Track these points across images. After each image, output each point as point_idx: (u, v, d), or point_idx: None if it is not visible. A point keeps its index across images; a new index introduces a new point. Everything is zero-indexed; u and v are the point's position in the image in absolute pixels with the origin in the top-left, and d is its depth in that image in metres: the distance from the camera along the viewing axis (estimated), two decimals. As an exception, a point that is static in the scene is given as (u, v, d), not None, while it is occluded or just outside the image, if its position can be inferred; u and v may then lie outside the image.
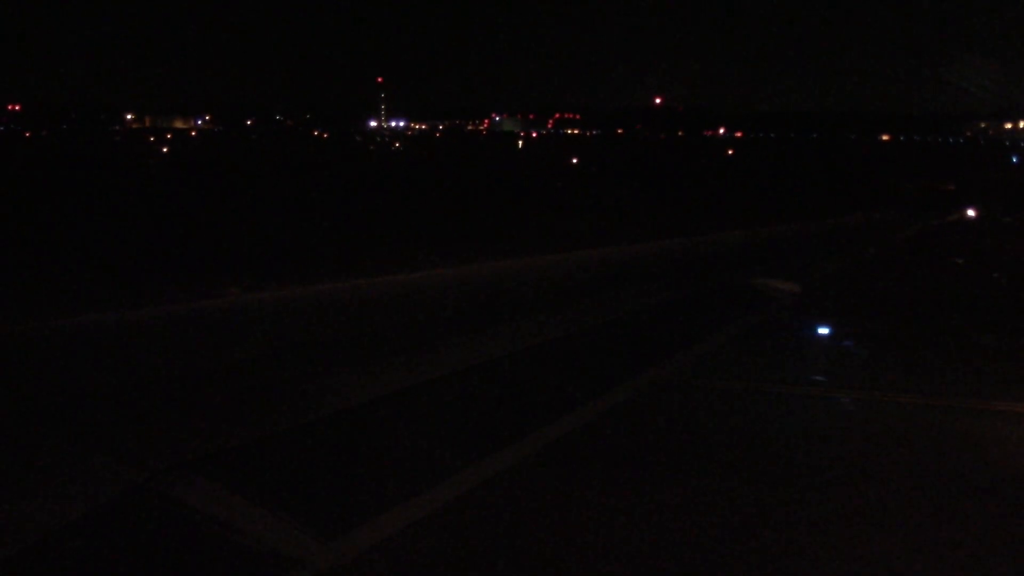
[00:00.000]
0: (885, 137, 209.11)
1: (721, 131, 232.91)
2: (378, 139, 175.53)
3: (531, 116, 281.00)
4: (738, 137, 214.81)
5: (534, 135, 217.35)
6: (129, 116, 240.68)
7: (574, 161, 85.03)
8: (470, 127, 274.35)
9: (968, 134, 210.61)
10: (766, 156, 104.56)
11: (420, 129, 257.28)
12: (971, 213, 15.92)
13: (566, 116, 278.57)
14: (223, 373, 3.20)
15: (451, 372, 3.48)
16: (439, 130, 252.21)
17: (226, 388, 3.07)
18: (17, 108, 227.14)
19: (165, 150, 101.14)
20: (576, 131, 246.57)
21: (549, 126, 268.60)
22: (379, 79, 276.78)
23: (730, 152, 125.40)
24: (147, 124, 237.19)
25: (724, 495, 8.42)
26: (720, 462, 9.20)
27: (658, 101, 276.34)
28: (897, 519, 8.03)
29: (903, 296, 17.89)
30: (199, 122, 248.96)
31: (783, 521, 7.96)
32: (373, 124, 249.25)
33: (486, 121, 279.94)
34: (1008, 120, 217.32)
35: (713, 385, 11.54)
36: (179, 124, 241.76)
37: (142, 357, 3.33)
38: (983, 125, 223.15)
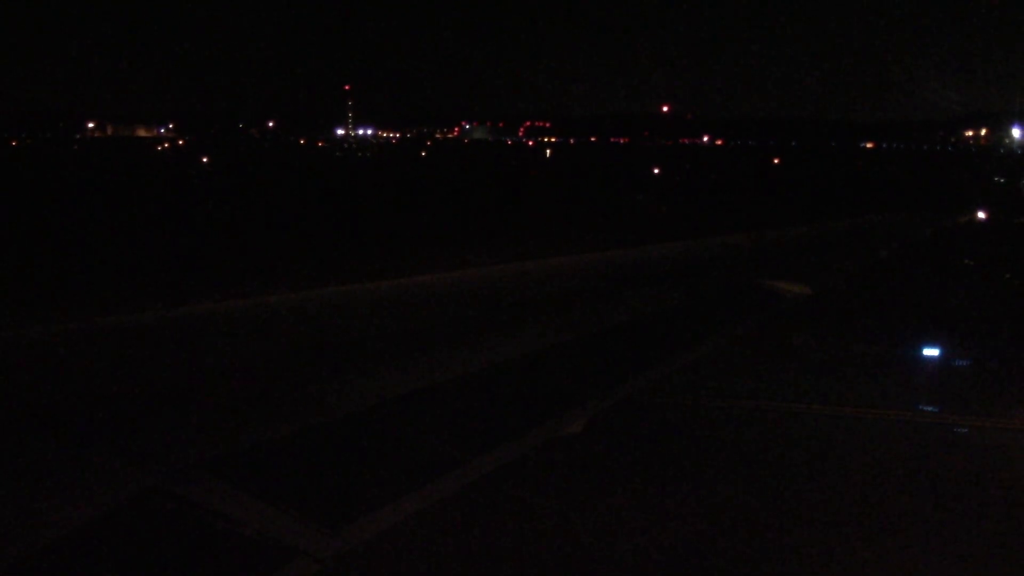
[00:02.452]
0: (869, 145, 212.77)
1: (706, 138, 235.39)
2: (345, 146, 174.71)
3: (500, 124, 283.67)
4: (719, 144, 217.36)
5: (530, 143, 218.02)
6: (91, 124, 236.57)
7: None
8: (439, 135, 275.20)
9: (953, 140, 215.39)
10: (757, 162, 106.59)
11: (389, 137, 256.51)
12: (981, 215, 16.03)
13: (537, 124, 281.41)
14: (230, 376, 3.27)
15: (453, 377, 3.55)
16: (425, 139, 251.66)
17: (233, 391, 3.14)
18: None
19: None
20: (553, 139, 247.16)
21: (520, 134, 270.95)
22: (346, 87, 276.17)
23: (716, 156, 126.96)
24: (109, 133, 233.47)
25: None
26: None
27: (665, 109, 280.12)
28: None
29: (914, 301, 17.79)
30: (162, 131, 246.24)
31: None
32: (340, 132, 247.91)
33: (456, 129, 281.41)
34: (969, 128, 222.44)
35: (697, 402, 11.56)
36: (142, 132, 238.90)
37: (150, 361, 3.39)
38: (941, 133, 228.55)
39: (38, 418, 2.74)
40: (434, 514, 7.32)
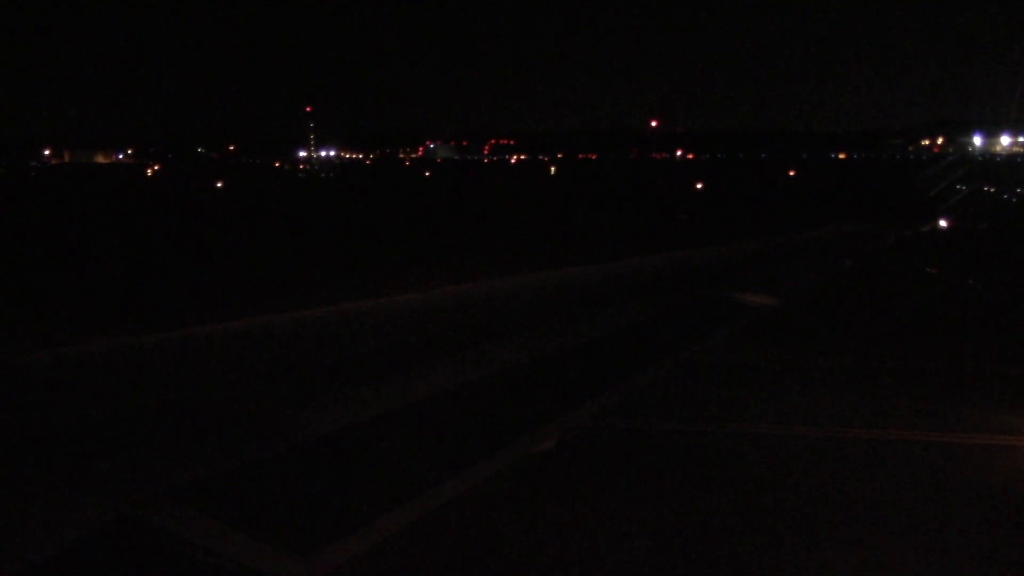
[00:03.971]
0: (842, 156, 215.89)
1: (679, 152, 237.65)
2: (307, 168, 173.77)
3: (464, 143, 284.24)
4: (690, 159, 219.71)
5: (513, 160, 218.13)
6: (47, 151, 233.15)
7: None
8: (402, 155, 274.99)
9: (912, 148, 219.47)
10: (720, 175, 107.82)
11: (352, 158, 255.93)
12: (943, 223, 16.21)
13: (501, 142, 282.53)
14: (198, 402, 3.25)
15: (423, 397, 3.55)
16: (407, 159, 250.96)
17: (202, 417, 3.12)
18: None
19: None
20: (523, 156, 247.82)
21: (485, 151, 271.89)
22: (308, 108, 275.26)
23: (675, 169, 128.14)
24: (67, 159, 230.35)
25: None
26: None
27: (654, 124, 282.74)
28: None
29: (878, 311, 17.98)
30: (120, 156, 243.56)
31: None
32: (302, 154, 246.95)
33: (420, 148, 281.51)
34: (926, 136, 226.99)
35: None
36: (100, 159, 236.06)
37: (116, 387, 3.34)
38: (898, 142, 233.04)
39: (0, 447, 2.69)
40: (408, 536, 7.26)
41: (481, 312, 5.33)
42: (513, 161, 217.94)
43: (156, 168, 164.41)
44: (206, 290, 22.18)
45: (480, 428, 3.46)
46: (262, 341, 4.30)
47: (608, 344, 4.70)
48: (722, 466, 9.89)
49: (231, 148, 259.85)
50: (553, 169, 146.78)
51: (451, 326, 4.85)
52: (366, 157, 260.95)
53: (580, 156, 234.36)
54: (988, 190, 54.28)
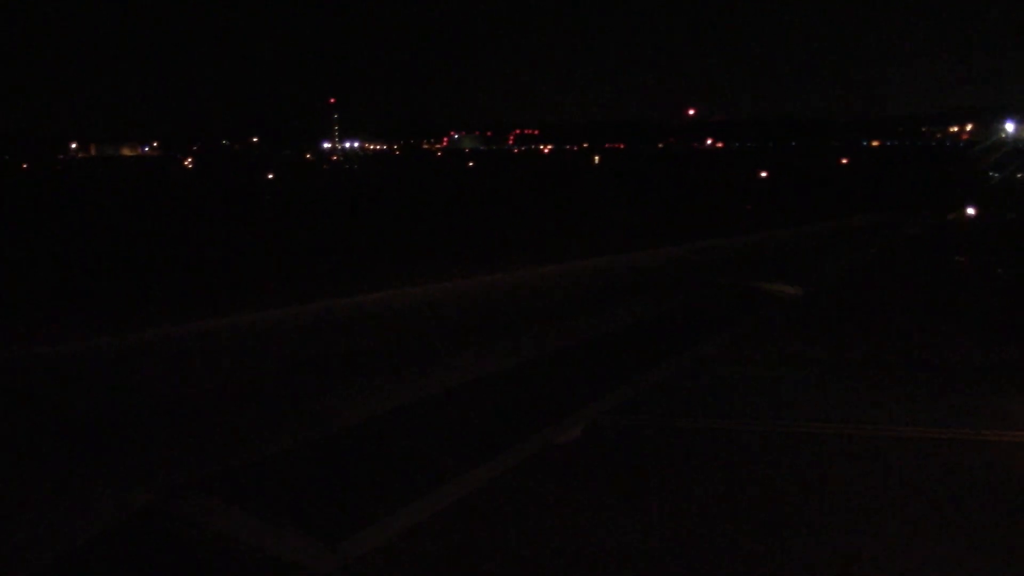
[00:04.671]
0: (875, 143, 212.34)
1: (708, 141, 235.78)
2: (333, 159, 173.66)
3: (489, 133, 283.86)
4: (719, 147, 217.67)
5: (546, 150, 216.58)
6: (74, 145, 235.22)
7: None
8: (426, 145, 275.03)
9: (939, 136, 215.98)
10: (749, 163, 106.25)
11: (376, 149, 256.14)
12: (971, 211, 16.01)
13: (525, 132, 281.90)
14: (224, 392, 3.27)
15: (448, 388, 3.56)
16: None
17: (227, 407, 3.13)
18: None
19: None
20: (550, 147, 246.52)
21: (510, 142, 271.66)
22: (331, 100, 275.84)
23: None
24: (93, 152, 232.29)
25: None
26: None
27: (691, 113, 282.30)
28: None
29: (903, 301, 17.73)
30: (146, 149, 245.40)
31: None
32: (327, 145, 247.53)
33: (444, 139, 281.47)
34: (954, 124, 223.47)
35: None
36: (126, 152, 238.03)
37: (143, 377, 3.38)
38: (924, 130, 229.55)
39: (31, 438, 2.73)
40: (432, 526, 7.27)
41: (508, 303, 5.31)
42: (546, 151, 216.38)
43: (190, 161, 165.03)
44: (230, 281, 22.33)
45: (505, 418, 3.45)
46: (288, 332, 4.29)
47: (631, 335, 4.68)
48: (738, 463, 9.78)
49: (254, 140, 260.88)
50: (597, 159, 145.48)
51: (477, 317, 4.82)
52: (391, 148, 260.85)
53: (607, 146, 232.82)
54: (1020, 176, 53.31)
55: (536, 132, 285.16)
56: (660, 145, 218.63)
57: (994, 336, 14.75)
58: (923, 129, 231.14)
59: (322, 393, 3.41)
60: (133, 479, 2.54)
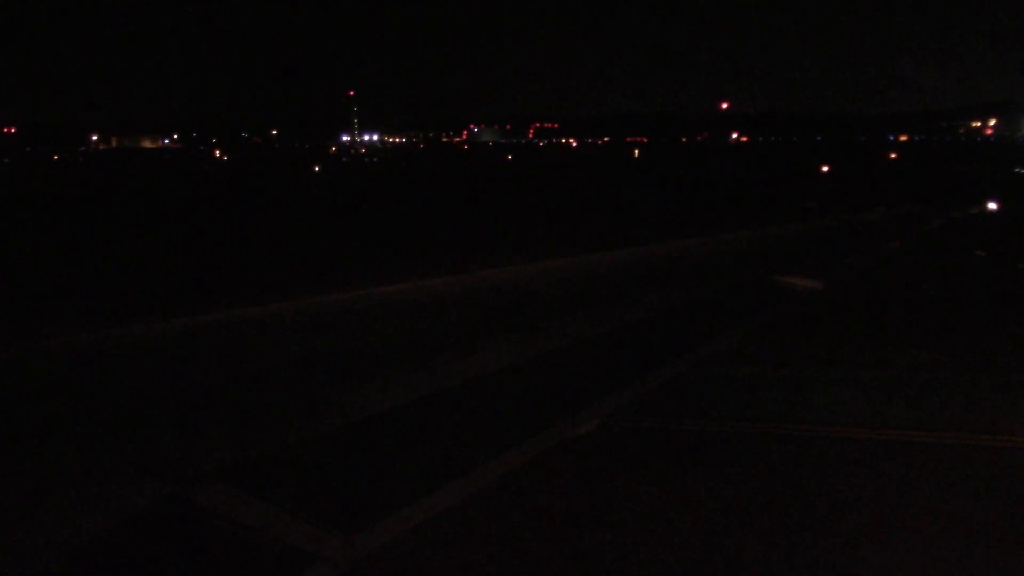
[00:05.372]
0: (903, 138, 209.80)
1: (734, 135, 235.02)
2: (352, 152, 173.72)
3: (508, 127, 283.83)
4: (744, 141, 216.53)
5: (574, 144, 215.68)
6: (94, 136, 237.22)
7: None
8: (445, 139, 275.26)
9: (961, 131, 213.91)
10: (772, 158, 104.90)
11: (395, 142, 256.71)
12: (992, 206, 15.80)
13: (545, 125, 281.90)
14: (242, 384, 3.28)
15: (465, 380, 3.56)
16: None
17: (246, 399, 3.14)
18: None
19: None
20: (572, 140, 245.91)
21: (530, 135, 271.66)
22: (350, 93, 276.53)
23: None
24: (113, 144, 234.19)
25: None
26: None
27: (724, 106, 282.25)
28: None
29: (922, 297, 17.46)
30: (166, 141, 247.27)
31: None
32: (346, 138, 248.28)
33: (464, 132, 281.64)
34: (976, 119, 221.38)
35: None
36: (147, 144, 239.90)
37: (164, 370, 3.39)
38: (942, 124, 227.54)
39: (55, 429, 2.75)
40: (449, 518, 7.25)
41: (523, 295, 5.28)
42: (575, 145, 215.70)
43: (220, 154, 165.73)
44: (249, 274, 22.40)
45: (523, 410, 3.46)
46: (304, 324, 4.32)
47: (646, 329, 4.65)
48: (745, 464, 9.60)
49: (273, 132, 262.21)
50: (636, 152, 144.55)
51: (495, 309, 4.82)
52: (411, 141, 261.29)
53: (628, 139, 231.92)
54: None
55: (556, 126, 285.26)
56: (684, 139, 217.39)
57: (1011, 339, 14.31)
58: (941, 124, 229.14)
59: (340, 385, 3.41)
60: (151, 469, 2.55)
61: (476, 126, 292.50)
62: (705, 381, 11.85)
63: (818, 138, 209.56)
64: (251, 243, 28.78)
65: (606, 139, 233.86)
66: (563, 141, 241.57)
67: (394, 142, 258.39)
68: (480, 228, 32.23)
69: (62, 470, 2.52)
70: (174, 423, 2.90)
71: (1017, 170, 58.87)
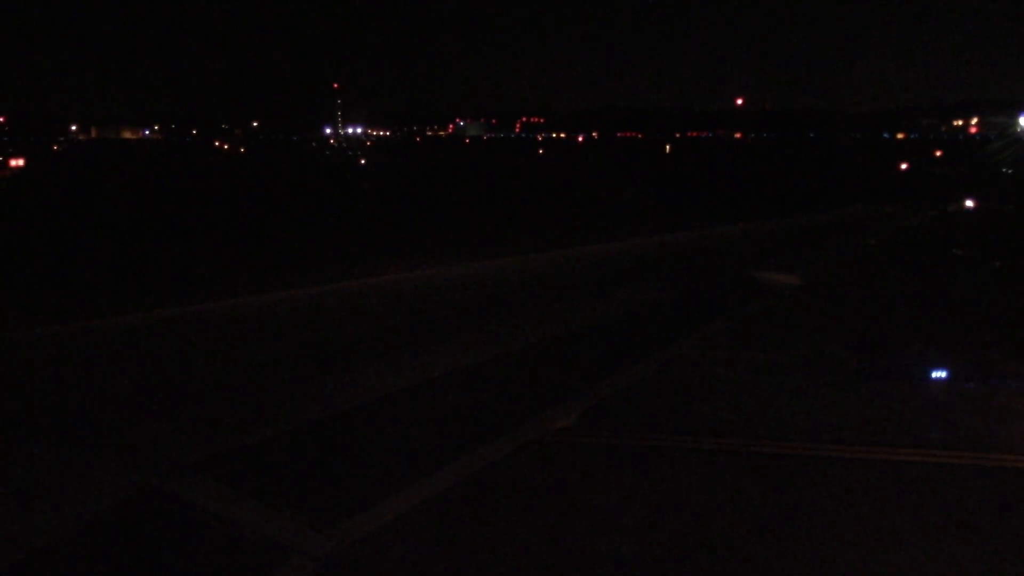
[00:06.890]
0: (900, 136, 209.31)
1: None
2: (336, 146, 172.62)
3: (494, 121, 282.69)
4: (737, 138, 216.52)
5: (580, 139, 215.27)
6: (74, 127, 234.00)
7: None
8: (430, 132, 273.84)
9: (944, 129, 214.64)
10: (753, 154, 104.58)
11: (379, 135, 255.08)
12: (969, 204, 15.89)
13: (531, 120, 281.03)
14: (220, 376, 3.28)
15: (444, 373, 3.55)
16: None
17: (224, 391, 3.15)
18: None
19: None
20: (561, 134, 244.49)
21: (517, 130, 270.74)
22: (335, 85, 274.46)
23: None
24: (93, 135, 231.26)
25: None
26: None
27: (740, 102, 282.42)
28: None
29: (899, 294, 17.45)
30: (147, 132, 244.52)
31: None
32: (328, 131, 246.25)
33: (450, 126, 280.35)
34: (959, 117, 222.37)
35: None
36: (127, 135, 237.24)
37: (141, 362, 3.39)
38: (928, 121, 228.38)
39: (31, 420, 2.75)
40: (428, 510, 7.19)
41: (501, 289, 5.29)
42: (580, 140, 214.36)
43: (222, 143, 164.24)
44: (227, 266, 22.29)
45: (502, 403, 3.45)
46: (282, 317, 4.31)
47: (619, 326, 4.65)
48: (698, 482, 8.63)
49: (254, 124, 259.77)
50: (668, 147, 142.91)
51: (475, 303, 4.83)
52: (396, 134, 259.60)
53: (619, 135, 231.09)
54: None
55: (542, 120, 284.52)
56: (677, 135, 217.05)
57: (988, 338, 14.13)
58: (923, 122, 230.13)
59: (319, 377, 3.40)
60: (130, 461, 2.55)
61: (462, 120, 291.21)
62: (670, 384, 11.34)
63: (811, 135, 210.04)
64: (249, 237, 28.79)
65: (594, 134, 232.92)
66: (553, 136, 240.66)
67: (377, 135, 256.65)
68: (460, 223, 32.26)
69: (37, 462, 2.52)
70: (152, 415, 2.89)
71: (1005, 171, 59.17)
